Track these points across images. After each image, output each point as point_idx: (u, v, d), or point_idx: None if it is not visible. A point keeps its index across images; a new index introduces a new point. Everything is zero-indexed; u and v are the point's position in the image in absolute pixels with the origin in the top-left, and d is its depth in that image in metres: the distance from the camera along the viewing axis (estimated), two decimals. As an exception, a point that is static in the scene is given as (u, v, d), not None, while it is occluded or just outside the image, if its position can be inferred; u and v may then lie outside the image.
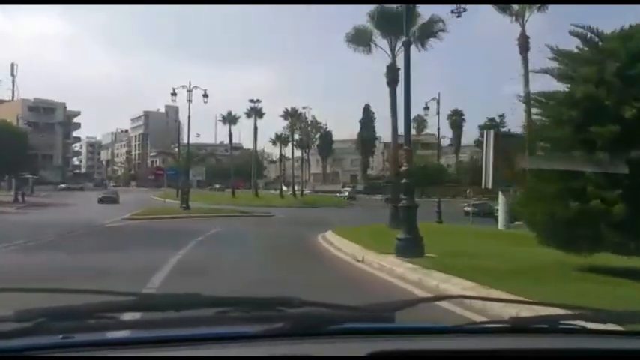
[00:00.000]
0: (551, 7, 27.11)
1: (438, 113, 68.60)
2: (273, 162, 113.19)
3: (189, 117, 32.37)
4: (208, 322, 1.35)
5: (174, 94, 32.52)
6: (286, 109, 60.01)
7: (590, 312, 1.57)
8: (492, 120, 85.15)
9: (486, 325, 1.71)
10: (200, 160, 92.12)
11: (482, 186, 24.96)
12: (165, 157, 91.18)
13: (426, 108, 54.56)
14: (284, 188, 61.53)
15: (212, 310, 1.36)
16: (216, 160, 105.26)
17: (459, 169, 76.33)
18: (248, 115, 58.35)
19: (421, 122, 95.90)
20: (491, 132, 25.67)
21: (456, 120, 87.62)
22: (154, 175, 75.20)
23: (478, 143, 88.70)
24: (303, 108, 67.51)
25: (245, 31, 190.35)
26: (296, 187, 60.72)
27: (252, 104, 58.25)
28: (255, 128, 58.17)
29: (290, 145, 63.31)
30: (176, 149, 48.33)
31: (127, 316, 1.46)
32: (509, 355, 1.32)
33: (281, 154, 62.76)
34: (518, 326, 1.60)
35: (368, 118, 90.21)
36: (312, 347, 1.28)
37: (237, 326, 1.38)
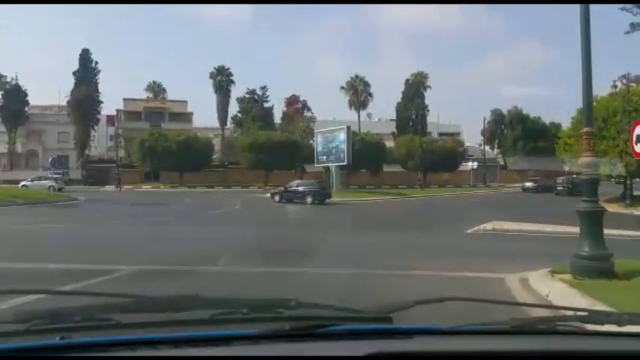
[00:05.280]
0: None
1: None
2: None
3: None
4: (206, 324, 1.34)
5: None
6: None
7: (588, 314, 1.54)
8: (253, 92, 64.30)
9: (484, 327, 1.60)
10: None
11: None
12: None
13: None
14: None
15: (210, 311, 1.35)
16: None
17: (238, 148, 52.77)
18: None
19: (159, 89, 69.37)
20: None
21: (222, 81, 63.18)
22: None
23: (236, 120, 65.99)
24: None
25: None
26: None
27: None
28: None
29: None
30: None
31: (126, 317, 1.35)
32: (507, 356, 1.30)
33: None
34: (516, 327, 1.53)
35: (87, 70, 59.11)
36: (310, 347, 1.27)
37: (235, 327, 1.35)
